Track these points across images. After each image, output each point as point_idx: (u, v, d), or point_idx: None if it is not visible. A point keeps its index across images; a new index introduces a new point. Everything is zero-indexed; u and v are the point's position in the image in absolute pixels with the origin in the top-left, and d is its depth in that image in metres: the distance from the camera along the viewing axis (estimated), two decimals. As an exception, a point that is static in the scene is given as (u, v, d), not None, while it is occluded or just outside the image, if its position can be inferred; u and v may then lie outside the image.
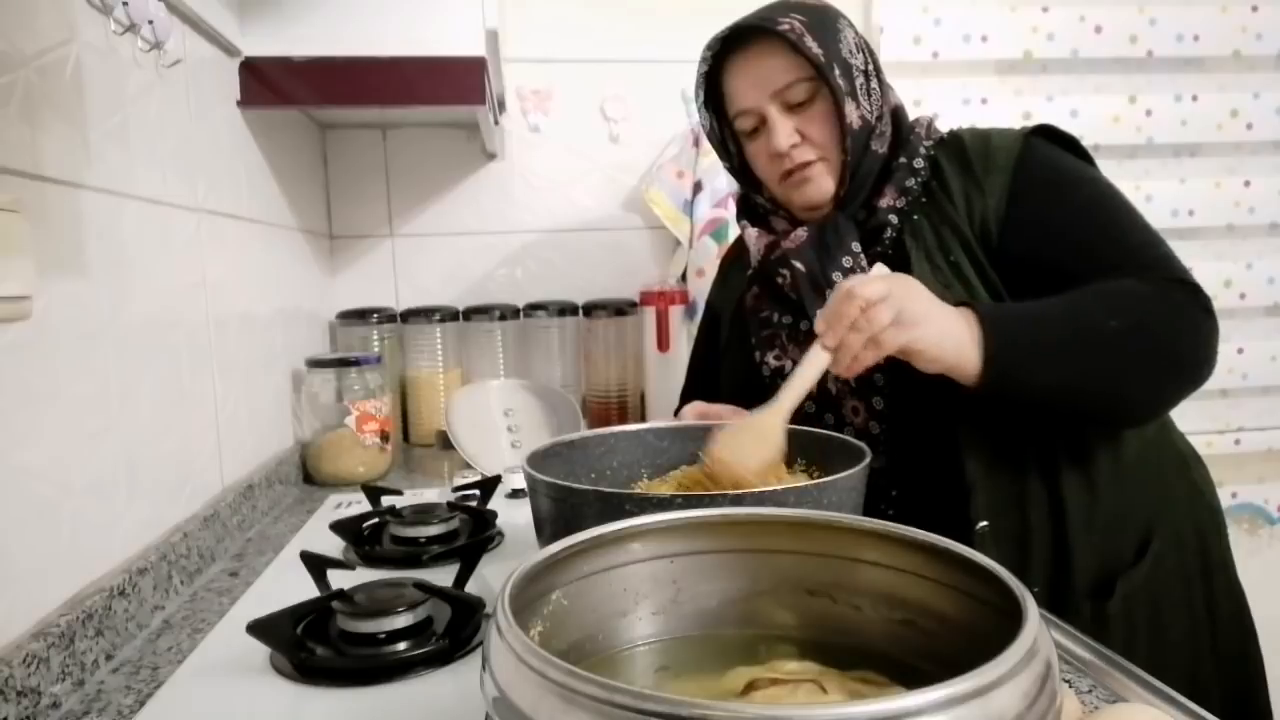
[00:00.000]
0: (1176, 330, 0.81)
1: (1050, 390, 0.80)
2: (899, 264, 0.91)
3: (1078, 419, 0.87)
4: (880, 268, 0.82)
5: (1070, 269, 0.84)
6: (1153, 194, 1.87)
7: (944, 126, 0.98)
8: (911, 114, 0.99)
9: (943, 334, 0.76)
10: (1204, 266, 1.91)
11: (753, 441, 0.77)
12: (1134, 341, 0.80)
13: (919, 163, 0.92)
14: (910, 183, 0.92)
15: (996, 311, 0.80)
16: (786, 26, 0.88)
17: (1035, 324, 0.80)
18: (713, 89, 0.98)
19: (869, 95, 0.92)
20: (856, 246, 0.92)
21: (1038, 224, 0.87)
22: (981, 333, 0.77)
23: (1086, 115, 1.85)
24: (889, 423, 0.91)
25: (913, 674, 0.46)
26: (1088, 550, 0.87)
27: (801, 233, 0.95)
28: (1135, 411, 0.86)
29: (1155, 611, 0.89)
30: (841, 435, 0.80)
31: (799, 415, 0.98)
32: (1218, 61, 1.90)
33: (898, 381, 0.90)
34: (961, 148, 0.92)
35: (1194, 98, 1.88)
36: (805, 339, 0.94)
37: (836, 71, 0.89)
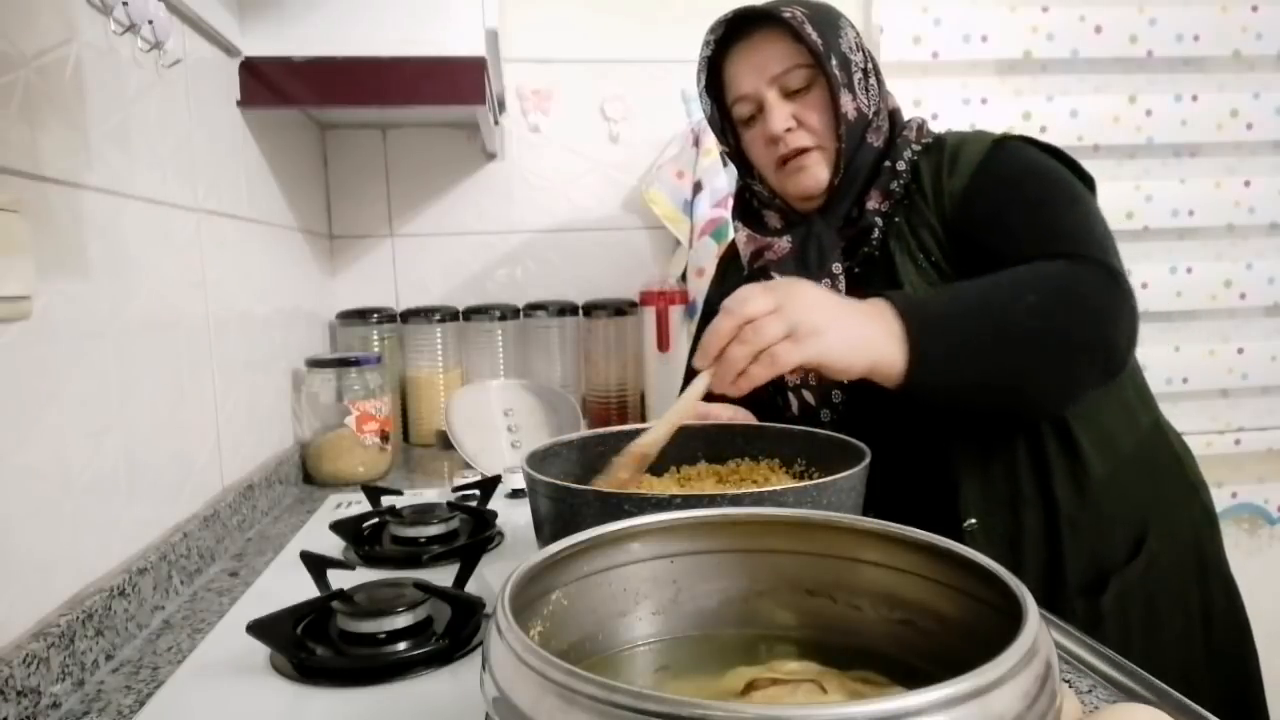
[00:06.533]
0: (1087, 303, 0.79)
1: (971, 376, 0.77)
2: (885, 266, 0.92)
3: (993, 411, 0.85)
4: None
5: (1000, 255, 0.83)
6: (1153, 194, 1.87)
7: (945, 126, 0.99)
8: (911, 113, 0.99)
9: (850, 339, 0.72)
10: (1204, 266, 1.91)
11: (611, 477, 0.74)
12: (1049, 314, 0.77)
13: (901, 165, 0.93)
14: (894, 185, 0.92)
15: (910, 298, 0.77)
16: (789, 15, 0.90)
17: (950, 303, 0.78)
18: (714, 77, 0.99)
19: (866, 91, 0.93)
20: (838, 268, 0.92)
21: (986, 216, 0.87)
22: (901, 324, 0.74)
23: (1086, 115, 1.85)
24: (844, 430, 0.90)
25: (913, 674, 0.46)
26: (1081, 548, 0.87)
27: (785, 244, 0.96)
28: (1049, 396, 0.82)
29: (1150, 609, 0.89)
30: (841, 435, 0.79)
31: (774, 412, 0.98)
32: (1218, 61, 1.90)
33: (852, 394, 0.91)
34: (940, 151, 0.92)
35: (1194, 98, 1.87)
36: None
37: (834, 62, 0.90)
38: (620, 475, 0.75)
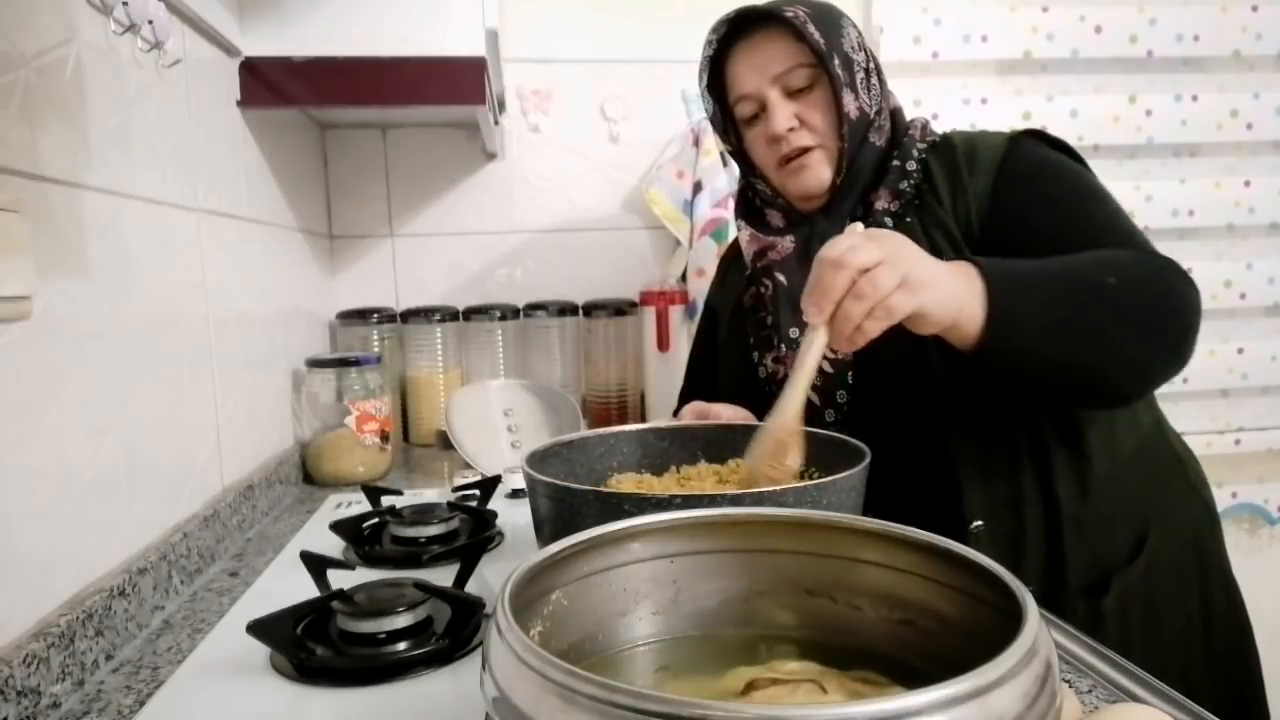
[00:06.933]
0: (1166, 291, 0.79)
1: (1048, 347, 0.75)
2: None
3: (1067, 391, 0.83)
4: (857, 225, 0.76)
5: (1035, 251, 0.81)
6: (1153, 194, 1.87)
7: (945, 126, 0.98)
8: (911, 113, 0.99)
9: (948, 291, 0.71)
10: (1204, 266, 1.91)
11: (773, 451, 0.74)
12: (1129, 297, 0.77)
13: (912, 165, 0.93)
14: (904, 185, 0.92)
15: (995, 262, 0.76)
16: (791, 14, 0.90)
17: (1033, 274, 0.77)
18: (716, 76, 0.99)
19: (869, 90, 0.93)
20: None
21: (1016, 214, 0.87)
22: (984, 284, 0.73)
23: (1086, 115, 1.85)
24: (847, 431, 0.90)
25: (913, 674, 0.46)
26: (1082, 548, 0.87)
27: (788, 244, 0.96)
28: (1125, 380, 0.81)
29: (1150, 609, 0.89)
30: (841, 435, 0.79)
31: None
32: (1218, 61, 1.90)
33: (856, 394, 0.91)
34: (951, 151, 0.92)
35: (1194, 98, 1.88)
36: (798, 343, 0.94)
37: (836, 61, 0.90)
38: (791, 465, 0.74)
